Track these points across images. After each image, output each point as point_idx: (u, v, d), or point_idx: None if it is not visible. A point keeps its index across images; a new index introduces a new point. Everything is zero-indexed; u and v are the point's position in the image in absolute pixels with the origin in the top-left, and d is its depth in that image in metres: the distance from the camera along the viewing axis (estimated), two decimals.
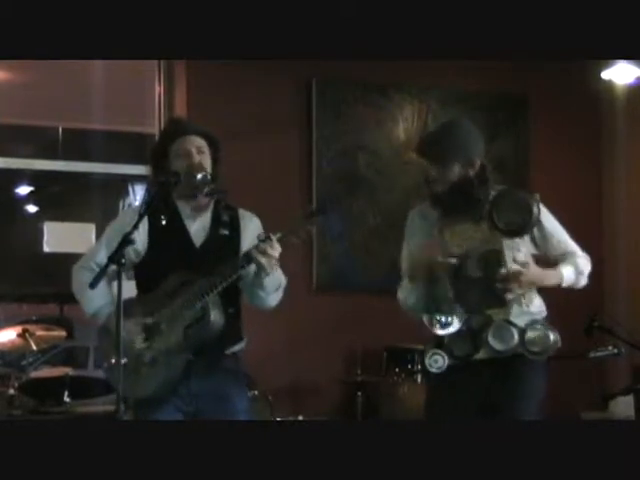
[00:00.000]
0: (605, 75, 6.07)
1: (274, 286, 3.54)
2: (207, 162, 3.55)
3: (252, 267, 3.45)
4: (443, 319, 3.59)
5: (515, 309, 3.58)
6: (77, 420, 5.09)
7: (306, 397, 5.70)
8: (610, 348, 4.83)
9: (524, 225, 3.56)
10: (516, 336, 3.55)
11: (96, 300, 3.55)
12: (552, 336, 3.58)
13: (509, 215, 3.54)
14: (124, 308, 3.34)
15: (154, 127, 6.06)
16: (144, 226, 3.47)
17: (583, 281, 3.70)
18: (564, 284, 3.64)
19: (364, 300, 6.01)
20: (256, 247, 3.38)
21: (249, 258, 3.39)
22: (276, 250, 3.37)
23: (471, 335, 3.59)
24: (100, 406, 5.22)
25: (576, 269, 3.65)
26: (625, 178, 6.46)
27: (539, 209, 3.57)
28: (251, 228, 3.62)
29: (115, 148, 6.35)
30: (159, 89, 6.13)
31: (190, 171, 3.49)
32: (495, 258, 3.53)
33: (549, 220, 3.69)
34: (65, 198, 7.17)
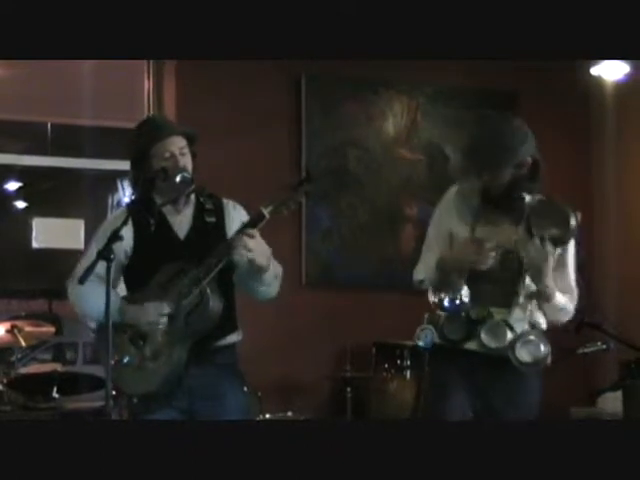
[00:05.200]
0: (594, 71, 6.09)
1: (272, 278, 3.51)
2: (189, 162, 3.55)
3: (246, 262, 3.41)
4: (447, 301, 3.54)
5: (517, 314, 3.53)
6: (66, 417, 5.08)
7: (295, 393, 5.69)
8: (599, 344, 4.84)
9: (561, 237, 3.50)
10: (508, 339, 3.49)
11: (101, 303, 3.34)
12: (543, 348, 3.50)
13: (547, 224, 3.48)
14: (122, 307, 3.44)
15: None
16: (129, 229, 3.44)
17: (566, 318, 3.64)
18: (564, 317, 3.61)
19: (353, 296, 6.01)
20: (237, 241, 3.35)
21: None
22: (257, 242, 3.35)
23: (467, 323, 3.55)
24: (89, 402, 5.21)
25: (570, 306, 3.61)
26: (615, 174, 6.46)
27: (577, 224, 3.51)
28: (236, 216, 3.60)
29: (104, 144, 6.33)
30: (148, 84, 6.12)
31: (173, 174, 3.47)
32: (518, 262, 3.51)
33: (571, 251, 3.63)
34: (54, 194, 7.15)
